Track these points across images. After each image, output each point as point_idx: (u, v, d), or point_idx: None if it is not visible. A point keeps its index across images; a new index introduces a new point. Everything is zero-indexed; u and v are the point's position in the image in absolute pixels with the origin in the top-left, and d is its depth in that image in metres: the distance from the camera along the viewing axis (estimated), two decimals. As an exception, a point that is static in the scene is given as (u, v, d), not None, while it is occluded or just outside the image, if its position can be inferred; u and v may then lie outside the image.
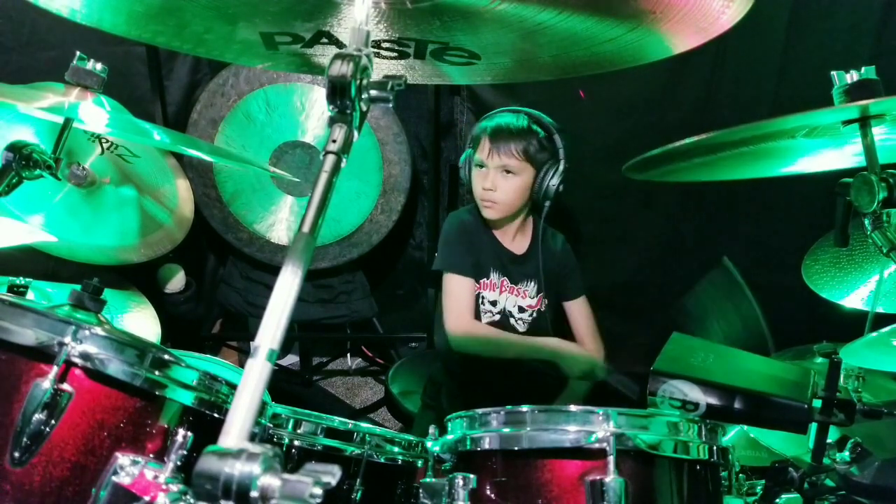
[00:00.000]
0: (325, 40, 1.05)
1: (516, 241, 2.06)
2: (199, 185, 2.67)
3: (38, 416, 0.95)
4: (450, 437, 1.21)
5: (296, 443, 1.32)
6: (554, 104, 2.18)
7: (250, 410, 0.64)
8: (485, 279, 2.00)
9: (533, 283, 2.04)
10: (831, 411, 1.17)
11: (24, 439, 0.95)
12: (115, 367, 0.99)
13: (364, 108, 0.82)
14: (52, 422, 0.96)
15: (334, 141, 0.79)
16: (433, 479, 1.21)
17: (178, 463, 0.99)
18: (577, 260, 2.15)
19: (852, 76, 1.19)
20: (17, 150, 1.38)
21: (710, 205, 2.61)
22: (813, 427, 1.20)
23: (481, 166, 1.96)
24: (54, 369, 0.96)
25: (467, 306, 1.95)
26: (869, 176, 1.16)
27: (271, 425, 1.27)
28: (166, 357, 1.04)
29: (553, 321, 2.08)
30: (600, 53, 1.01)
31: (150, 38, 1.16)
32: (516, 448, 1.11)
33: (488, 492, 1.12)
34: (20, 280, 1.68)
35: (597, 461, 1.05)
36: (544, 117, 1.97)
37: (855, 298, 1.68)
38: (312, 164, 2.69)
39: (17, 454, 0.95)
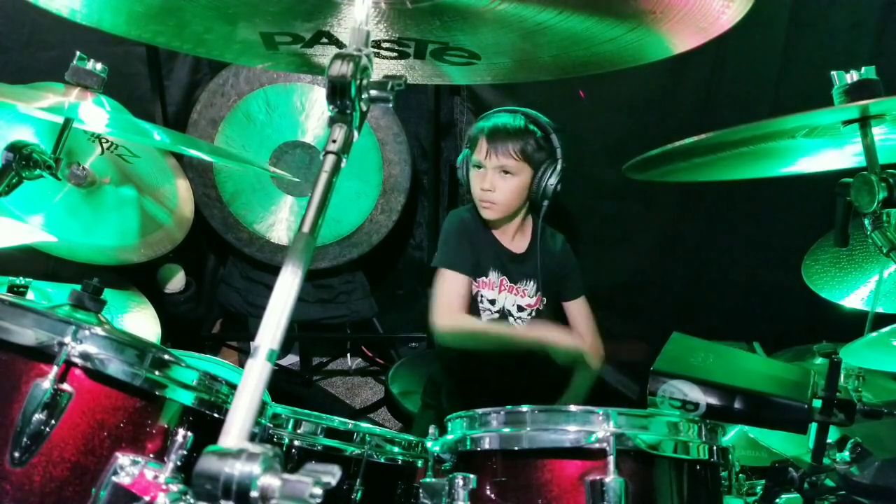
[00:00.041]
0: (325, 40, 1.05)
1: (515, 240, 2.05)
2: (199, 185, 2.67)
3: (38, 416, 0.95)
4: (450, 437, 1.21)
5: (296, 443, 1.31)
6: (554, 104, 2.17)
7: (250, 410, 0.64)
8: (483, 278, 2.00)
9: (532, 283, 2.04)
10: (831, 411, 1.17)
11: (24, 439, 0.95)
12: (115, 367, 0.99)
13: (364, 108, 0.82)
14: (52, 422, 0.96)
15: (334, 141, 0.79)
16: (433, 479, 1.21)
17: (178, 463, 0.99)
18: (577, 260, 2.15)
19: (852, 76, 1.19)
20: (17, 150, 1.38)
21: (710, 205, 2.61)
22: (813, 427, 1.20)
23: (479, 167, 1.96)
24: (54, 369, 0.96)
25: (455, 301, 1.93)
26: (869, 176, 1.16)
27: (271, 425, 1.27)
28: (166, 357, 1.04)
29: (552, 320, 2.08)
30: (600, 53, 1.01)
31: (150, 38, 1.16)
32: (516, 448, 1.11)
33: (488, 492, 1.12)
34: (20, 280, 1.68)
35: (597, 461, 1.05)
36: (541, 117, 1.97)
37: (855, 298, 1.68)
38: (312, 164, 2.69)
39: (17, 454, 0.95)
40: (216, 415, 1.08)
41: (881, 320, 1.28)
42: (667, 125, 2.51)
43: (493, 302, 2.02)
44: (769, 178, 1.53)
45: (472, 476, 1.12)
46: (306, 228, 0.75)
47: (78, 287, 1.20)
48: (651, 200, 2.67)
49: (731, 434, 1.83)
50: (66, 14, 1.02)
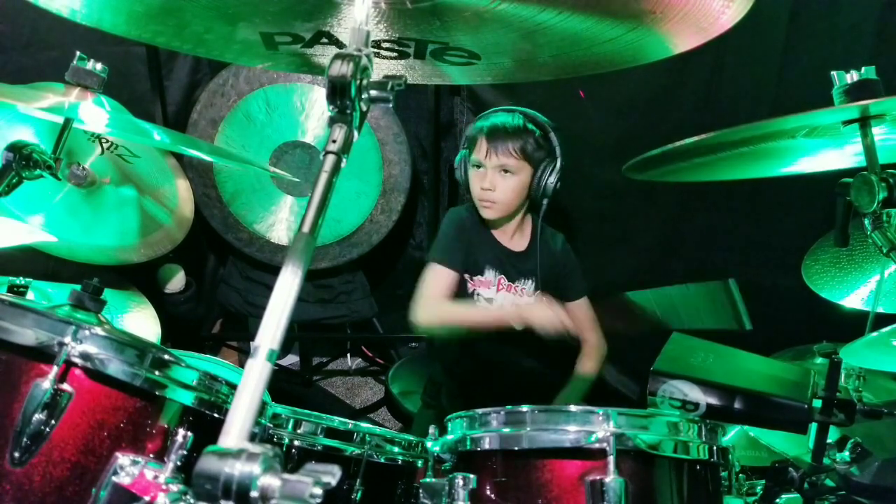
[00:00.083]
0: (325, 40, 1.05)
1: (515, 239, 2.05)
2: (199, 185, 2.67)
3: (38, 416, 0.96)
4: (450, 437, 1.21)
5: (296, 443, 1.32)
6: (553, 104, 2.17)
7: (250, 410, 0.64)
8: (479, 276, 1.99)
9: (531, 281, 2.03)
10: (831, 411, 1.17)
11: (24, 439, 0.95)
12: (115, 367, 0.99)
13: (364, 108, 0.82)
14: (52, 422, 0.97)
15: (334, 141, 0.80)
16: (433, 479, 1.21)
17: (178, 463, 0.99)
18: (577, 260, 2.15)
19: (852, 76, 1.20)
20: (17, 150, 1.38)
21: (710, 205, 2.61)
22: (813, 427, 1.20)
23: (479, 166, 1.95)
24: (54, 369, 0.97)
25: (438, 292, 1.92)
26: (869, 176, 1.16)
27: (271, 425, 1.27)
28: (166, 357, 1.04)
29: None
30: (600, 53, 1.01)
31: (150, 38, 1.16)
32: (516, 448, 1.11)
33: (488, 492, 1.12)
34: (20, 280, 1.68)
35: (597, 461, 1.05)
36: (539, 116, 1.97)
37: (855, 298, 1.68)
38: (312, 164, 2.69)
39: (17, 454, 0.95)
40: (216, 415, 1.08)
41: (881, 320, 1.28)
42: (667, 125, 2.51)
43: (490, 301, 2.01)
44: (769, 178, 1.53)
45: (472, 476, 1.12)
46: (306, 228, 0.75)
47: (78, 287, 1.20)
48: (651, 200, 2.67)
49: (731, 434, 1.83)
50: (66, 14, 1.02)
